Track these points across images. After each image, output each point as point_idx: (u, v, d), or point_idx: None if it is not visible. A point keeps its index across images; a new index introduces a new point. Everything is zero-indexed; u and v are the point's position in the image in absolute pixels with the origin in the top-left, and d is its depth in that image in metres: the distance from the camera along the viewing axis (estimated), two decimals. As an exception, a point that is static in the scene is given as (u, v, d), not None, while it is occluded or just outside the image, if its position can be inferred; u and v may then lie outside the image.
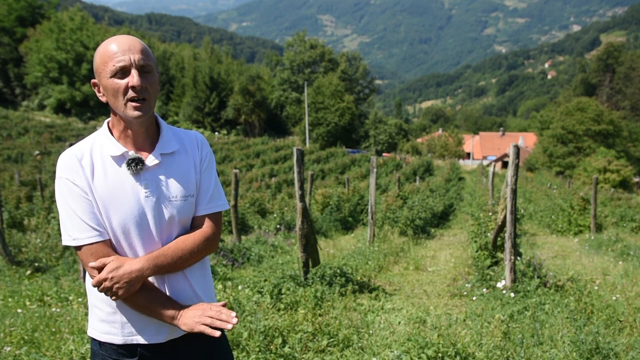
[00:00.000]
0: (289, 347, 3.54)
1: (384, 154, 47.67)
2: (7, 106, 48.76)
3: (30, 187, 18.40)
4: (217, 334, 1.50)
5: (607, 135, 44.75)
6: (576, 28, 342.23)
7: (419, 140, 65.33)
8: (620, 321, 4.09)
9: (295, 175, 5.15)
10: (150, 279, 1.58)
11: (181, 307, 1.58)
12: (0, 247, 7.27)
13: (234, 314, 1.52)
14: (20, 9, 52.89)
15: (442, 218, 15.10)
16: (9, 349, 3.46)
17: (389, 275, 6.84)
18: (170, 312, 1.55)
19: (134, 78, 1.50)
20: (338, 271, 5.55)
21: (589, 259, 8.48)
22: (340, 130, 51.85)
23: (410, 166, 33.57)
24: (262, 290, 4.83)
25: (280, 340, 3.59)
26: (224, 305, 1.58)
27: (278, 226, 11.42)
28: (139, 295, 1.53)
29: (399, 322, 4.28)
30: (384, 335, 3.85)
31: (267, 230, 11.07)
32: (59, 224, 6.73)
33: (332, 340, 3.76)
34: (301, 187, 5.17)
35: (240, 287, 4.98)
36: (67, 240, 1.54)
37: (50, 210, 13.51)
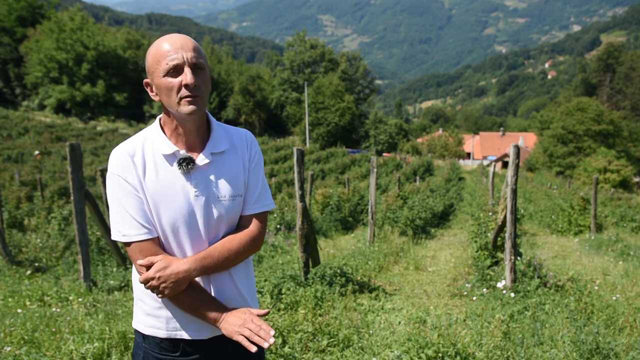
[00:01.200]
0: (289, 347, 3.54)
1: (384, 154, 47.65)
2: (7, 106, 48.74)
3: (31, 187, 18.39)
4: (254, 349, 1.51)
5: (607, 135, 44.74)
6: (576, 28, 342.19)
7: (419, 140, 65.32)
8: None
9: (296, 175, 5.15)
10: (197, 278, 1.60)
11: (225, 309, 1.59)
12: (1, 247, 7.28)
13: (272, 332, 1.53)
14: (20, 9, 52.88)
15: (442, 218, 15.09)
16: (9, 349, 3.46)
17: (389, 275, 6.84)
18: (213, 315, 1.57)
19: (187, 76, 1.50)
20: (338, 271, 5.55)
21: (589, 259, 8.47)
22: (341, 130, 51.84)
23: (410, 166, 33.56)
24: (262, 290, 4.83)
25: (280, 340, 3.59)
26: (267, 313, 1.60)
27: (278, 226, 11.42)
28: (184, 295, 1.55)
29: (399, 322, 4.28)
30: (384, 335, 3.85)
31: (267, 230, 11.08)
32: (59, 224, 6.70)
33: (332, 340, 3.76)
34: (301, 187, 5.17)
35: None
36: (117, 235, 1.56)
37: (51, 210, 13.52)
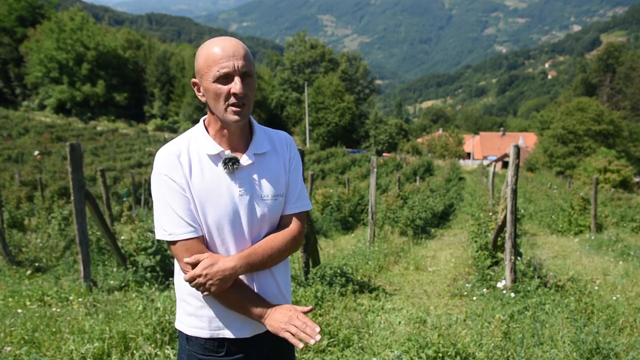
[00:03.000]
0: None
1: (384, 154, 47.64)
2: (8, 106, 48.77)
3: (31, 187, 18.41)
4: (300, 345, 1.53)
5: (607, 135, 44.75)
6: (576, 28, 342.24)
7: (419, 140, 65.30)
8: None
9: (296, 175, 5.15)
10: (240, 276, 1.62)
11: (269, 305, 1.62)
12: (1, 247, 7.28)
13: (318, 329, 1.54)
14: (20, 9, 52.93)
15: (442, 218, 15.09)
16: (9, 348, 3.46)
17: (389, 275, 6.84)
18: (259, 310, 1.60)
19: (237, 85, 1.53)
20: (338, 271, 5.55)
21: (589, 259, 8.47)
22: (341, 130, 51.86)
23: (410, 166, 33.56)
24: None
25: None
26: (311, 310, 1.62)
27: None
28: (230, 293, 1.57)
29: (399, 322, 4.28)
30: (384, 335, 3.85)
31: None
32: (59, 224, 6.68)
33: (332, 340, 3.76)
34: (301, 187, 5.16)
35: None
36: (162, 234, 1.58)
37: (51, 210, 13.52)
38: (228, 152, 1.60)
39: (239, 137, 1.64)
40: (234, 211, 1.59)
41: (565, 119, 46.34)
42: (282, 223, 1.71)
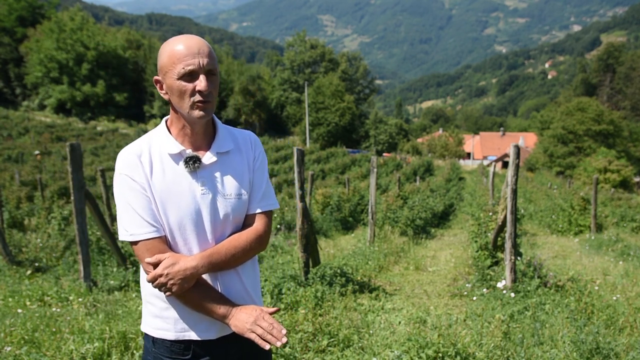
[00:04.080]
0: (289, 347, 3.54)
1: (384, 154, 47.64)
2: (8, 106, 48.76)
3: (31, 187, 18.40)
4: (267, 347, 1.52)
5: (607, 135, 44.74)
6: (576, 28, 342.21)
7: (419, 140, 65.29)
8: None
9: (296, 175, 5.15)
10: (204, 276, 1.60)
11: (233, 305, 1.59)
12: (1, 247, 7.28)
13: (284, 331, 1.53)
14: (20, 9, 52.90)
15: (442, 218, 15.09)
16: (9, 348, 3.46)
17: (389, 275, 6.84)
18: (222, 310, 1.57)
19: (202, 83, 1.53)
20: (338, 271, 5.55)
21: (589, 259, 8.47)
22: (341, 130, 51.84)
23: (410, 166, 33.56)
24: (262, 290, 4.83)
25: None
26: (277, 311, 1.60)
27: (278, 226, 11.43)
28: (192, 292, 1.55)
29: (399, 322, 4.28)
30: (384, 335, 3.85)
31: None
32: (59, 224, 6.70)
33: (332, 340, 3.76)
34: (301, 187, 5.17)
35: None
36: (124, 235, 1.56)
37: (51, 210, 13.52)
38: (189, 151, 1.59)
39: (202, 136, 1.63)
40: (196, 210, 1.57)
41: (565, 119, 46.34)
42: (247, 222, 1.69)
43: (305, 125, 50.84)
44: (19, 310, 4.71)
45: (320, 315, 4.25)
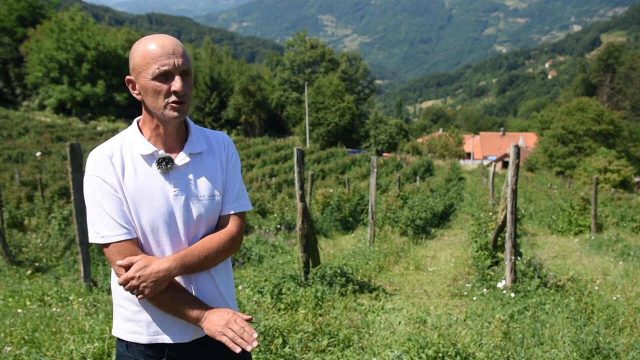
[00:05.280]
0: (290, 347, 3.54)
1: (384, 154, 47.63)
2: (8, 106, 48.76)
3: (31, 187, 18.40)
4: (238, 350, 1.50)
5: (607, 135, 44.72)
6: (577, 28, 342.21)
7: (420, 140, 65.26)
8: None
9: (296, 175, 5.15)
10: (178, 279, 1.59)
11: (206, 308, 1.58)
12: (1, 247, 7.28)
13: (255, 334, 1.52)
14: (20, 9, 52.90)
15: (442, 218, 15.09)
16: (9, 348, 3.46)
17: (389, 275, 6.84)
18: (195, 313, 1.55)
19: (177, 83, 1.52)
20: (338, 271, 5.55)
21: (589, 259, 8.47)
22: (341, 130, 51.83)
23: (410, 166, 33.56)
24: (262, 290, 4.83)
25: (280, 340, 3.59)
26: (249, 320, 1.57)
27: (278, 226, 11.42)
28: (165, 295, 1.54)
29: (399, 322, 4.28)
30: (384, 335, 3.85)
31: (267, 230, 11.07)
32: (59, 224, 6.69)
33: (332, 340, 3.76)
34: (301, 187, 5.17)
35: (240, 287, 4.98)
36: (95, 237, 1.54)
37: (51, 210, 13.52)
38: (162, 152, 1.58)
39: (174, 137, 1.62)
40: (168, 212, 1.55)
41: (565, 119, 46.31)
42: (220, 224, 1.67)
43: (305, 125, 50.82)
44: (19, 310, 4.71)
45: (320, 315, 4.25)
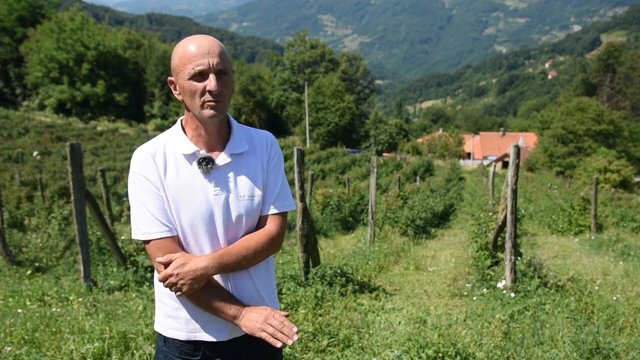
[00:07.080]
0: (289, 347, 3.54)
1: (384, 154, 47.63)
2: (8, 106, 48.76)
3: (31, 187, 18.40)
4: (279, 344, 1.52)
5: (607, 135, 44.73)
6: (577, 28, 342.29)
7: (420, 140, 65.26)
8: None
9: (296, 175, 5.15)
10: (216, 276, 1.60)
11: (244, 306, 1.59)
12: (1, 247, 7.28)
13: (295, 329, 1.53)
14: (20, 9, 52.91)
15: (442, 218, 15.09)
16: (9, 348, 3.46)
17: (389, 275, 6.84)
18: (232, 311, 1.57)
19: (211, 82, 1.52)
20: (338, 271, 5.55)
21: (589, 259, 8.47)
22: (341, 130, 51.83)
23: (410, 166, 33.55)
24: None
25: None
26: (286, 316, 1.59)
27: (278, 226, 11.40)
28: (202, 293, 1.55)
29: (400, 322, 4.28)
30: (384, 335, 3.85)
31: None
32: (59, 224, 6.68)
33: (332, 340, 3.76)
34: (301, 187, 5.17)
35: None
36: (137, 234, 1.57)
37: (51, 210, 13.52)
38: (203, 152, 1.59)
39: (216, 137, 1.63)
40: (208, 211, 1.57)
41: (565, 119, 46.32)
42: (261, 224, 1.68)
43: (305, 125, 50.82)
44: (19, 310, 4.71)
45: (320, 315, 4.25)
